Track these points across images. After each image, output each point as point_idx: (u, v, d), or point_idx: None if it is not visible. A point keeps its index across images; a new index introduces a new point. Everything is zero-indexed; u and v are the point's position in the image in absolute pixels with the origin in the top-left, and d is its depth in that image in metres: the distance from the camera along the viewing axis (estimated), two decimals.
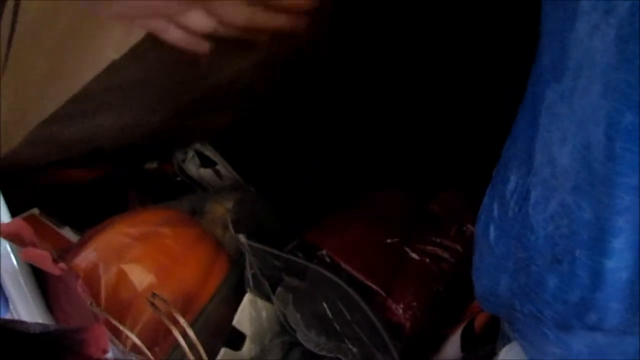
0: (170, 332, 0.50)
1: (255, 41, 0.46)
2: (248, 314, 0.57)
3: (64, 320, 0.58)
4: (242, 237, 0.60)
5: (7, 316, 0.58)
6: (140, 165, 0.83)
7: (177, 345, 0.50)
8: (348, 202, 0.70)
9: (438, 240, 0.62)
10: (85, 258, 0.55)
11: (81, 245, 0.58)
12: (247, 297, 0.57)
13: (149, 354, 0.50)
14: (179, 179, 0.81)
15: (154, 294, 0.51)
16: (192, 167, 0.80)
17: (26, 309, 0.58)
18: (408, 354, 0.56)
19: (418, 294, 0.59)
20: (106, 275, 0.54)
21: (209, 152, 0.80)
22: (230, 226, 0.61)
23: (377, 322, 0.55)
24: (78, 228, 0.68)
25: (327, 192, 0.75)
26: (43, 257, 0.51)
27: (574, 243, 0.32)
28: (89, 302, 0.50)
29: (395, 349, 0.54)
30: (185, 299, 0.55)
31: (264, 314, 0.58)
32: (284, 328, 0.58)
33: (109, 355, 0.49)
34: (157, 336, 0.53)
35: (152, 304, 0.50)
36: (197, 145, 0.81)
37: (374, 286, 0.60)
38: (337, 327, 0.56)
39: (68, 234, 0.68)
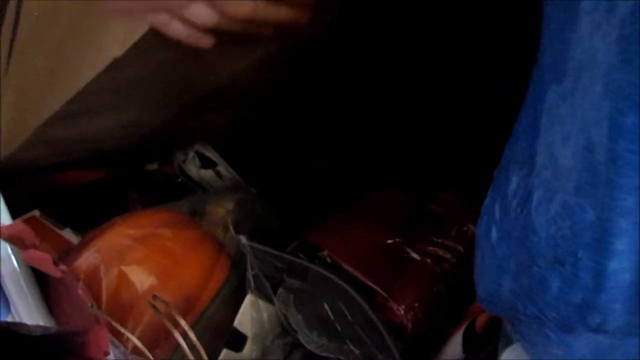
0: (171, 334, 0.50)
1: (258, 36, 0.46)
2: (249, 315, 0.57)
3: (65, 321, 0.58)
4: (243, 238, 0.60)
5: (8, 318, 0.58)
6: (141, 167, 0.83)
7: (178, 346, 0.50)
8: (348, 202, 0.70)
9: (439, 240, 0.62)
10: (86, 260, 0.55)
11: (82, 247, 0.58)
12: (248, 298, 0.57)
13: (150, 355, 0.50)
14: (179, 180, 0.81)
15: (155, 296, 0.51)
16: (193, 168, 0.80)
17: (27, 311, 0.57)
18: (409, 354, 0.56)
19: (419, 295, 0.59)
20: (107, 277, 0.54)
21: (210, 153, 0.80)
22: (231, 227, 0.61)
23: (378, 322, 0.55)
24: (79, 229, 0.68)
25: (327, 192, 0.75)
26: (44, 260, 0.51)
27: (577, 244, 0.32)
28: (89, 305, 0.50)
29: (396, 349, 0.54)
30: (186, 301, 0.55)
31: (265, 315, 0.58)
32: (285, 329, 0.58)
33: (110, 357, 0.49)
34: (158, 338, 0.53)
35: (153, 306, 0.50)
36: (198, 146, 0.81)
37: (375, 287, 0.59)
38: (339, 328, 0.56)
39: (69, 235, 0.68)
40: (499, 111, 0.49)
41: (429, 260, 0.61)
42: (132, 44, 0.45)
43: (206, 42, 0.44)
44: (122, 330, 0.50)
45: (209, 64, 0.54)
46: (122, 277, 0.54)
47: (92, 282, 0.53)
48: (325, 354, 0.55)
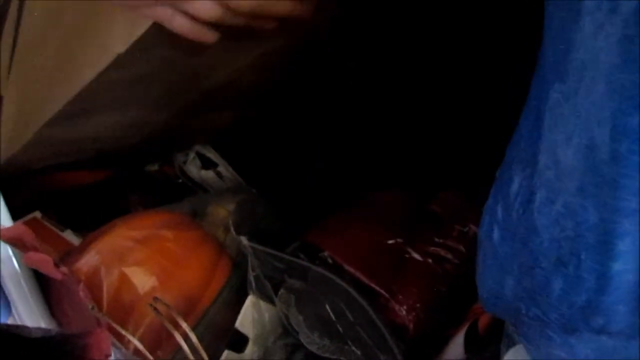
0: (172, 335, 0.50)
1: (261, 31, 0.46)
2: (250, 316, 0.57)
3: (67, 323, 0.58)
4: (244, 239, 0.59)
5: (10, 320, 0.58)
6: (141, 168, 0.83)
7: (180, 348, 0.50)
8: (348, 202, 0.70)
9: (440, 240, 0.62)
10: (87, 262, 0.55)
11: (83, 248, 0.58)
12: (250, 299, 0.57)
13: (151, 357, 0.50)
14: (180, 181, 0.81)
15: (156, 298, 0.51)
16: (193, 169, 0.80)
17: (28, 313, 0.57)
18: (411, 355, 0.56)
19: (421, 295, 0.59)
20: (108, 278, 0.54)
21: (210, 154, 0.80)
22: (232, 228, 0.61)
23: (380, 323, 0.55)
24: (80, 231, 0.68)
25: (327, 192, 0.75)
26: (45, 262, 0.51)
27: (580, 246, 0.32)
28: (90, 306, 0.50)
29: (398, 350, 0.54)
30: (187, 302, 0.55)
31: (266, 316, 0.58)
32: (286, 330, 0.58)
33: (111, 359, 0.49)
34: (160, 339, 0.53)
35: (154, 308, 0.50)
36: (198, 147, 0.81)
37: (376, 287, 0.59)
38: (340, 329, 0.55)
39: (70, 237, 0.68)
40: (499, 110, 0.49)
41: (430, 261, 0.61)
42: (134, 40, 0.45)
43: (210, 36, 0.44)
44: (123, 332, 0.50)
45: (212, 61, 0.54)
46: (123, 279, 0.54)
47: (93, 283, 0.53)
48: (326, 354, 0.55)
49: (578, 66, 0.32)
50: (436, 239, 0.62)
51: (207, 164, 0.80)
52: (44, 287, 0.59)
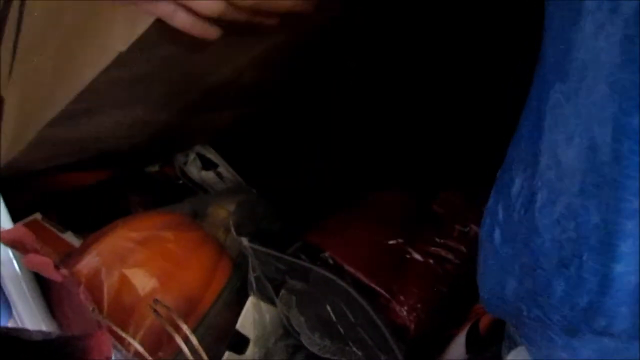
0: (173, 337, 0.50)
1: (263, 27, 0.45)
2: (251, 317, 0.57)
3: (67, 325, 0.58)
4: (244, 240, 0.59)
5: (10, 322, 0.58)
6: (142, 169, 0.83)
7: (181, 350, 0.50)
8: (349, 202, 0.70)
9: (441, 241, 0.62)
10: (88, 263, 0.55)
11: (83, 250, 0.58)
12: (251, 300, 0.57)
13: (151, 359, 0.50)
14: (180, 181, 0.81)
15: (156, 300, 0.51)
16: (194, 170, 0.80)
17: (29, 315, 0.57)
18: (412, 355, 0.55)
19: (422, 296, 0.59)
20: (109, 280, 0.54)
21: (210, 154, 0.80)
22: (233, 229, 0.61)
23: (381, 324, 0.55)
24: (80, 232, 0.68)
25: (327, 192, 0.75)
26: (45, 264, 0.51)
27: (581, 247, 0.32)
28: (91, 308, 0.49)
29: (399, 351, 0.54)
30: (188, 303, 0.55)
31: (267, 317, 0.58)
32: (287, 331, 0.58)
33: None
34: (161, 341, 0.52)
35: (155, 311, 0.50)
36: (199, 148, 0.81)
37: (377, 288, 0.59)
38: (341, 330, 0.55)
39: (70, 238, 0.67)
40: (499, 110, 0.49)
41: (431, 261, 0.61)
42: (136, 38, 0.44)
43: (212, 33, 0.43)
44: (124, 334, 0.50)
45: (213, 58, 0.54)
46: (124, 280, 0.54)
47: (94, 285, 0.53)
48: (327, 355, 0.55)
49: (579, 66, 0.32)
50: (437, 239, 0.62)
51: (207, 164, 0.80)
52: (45, 289, 0.59)
